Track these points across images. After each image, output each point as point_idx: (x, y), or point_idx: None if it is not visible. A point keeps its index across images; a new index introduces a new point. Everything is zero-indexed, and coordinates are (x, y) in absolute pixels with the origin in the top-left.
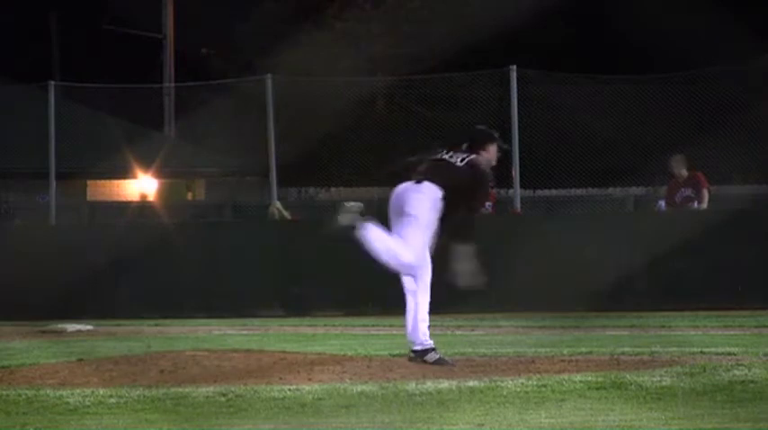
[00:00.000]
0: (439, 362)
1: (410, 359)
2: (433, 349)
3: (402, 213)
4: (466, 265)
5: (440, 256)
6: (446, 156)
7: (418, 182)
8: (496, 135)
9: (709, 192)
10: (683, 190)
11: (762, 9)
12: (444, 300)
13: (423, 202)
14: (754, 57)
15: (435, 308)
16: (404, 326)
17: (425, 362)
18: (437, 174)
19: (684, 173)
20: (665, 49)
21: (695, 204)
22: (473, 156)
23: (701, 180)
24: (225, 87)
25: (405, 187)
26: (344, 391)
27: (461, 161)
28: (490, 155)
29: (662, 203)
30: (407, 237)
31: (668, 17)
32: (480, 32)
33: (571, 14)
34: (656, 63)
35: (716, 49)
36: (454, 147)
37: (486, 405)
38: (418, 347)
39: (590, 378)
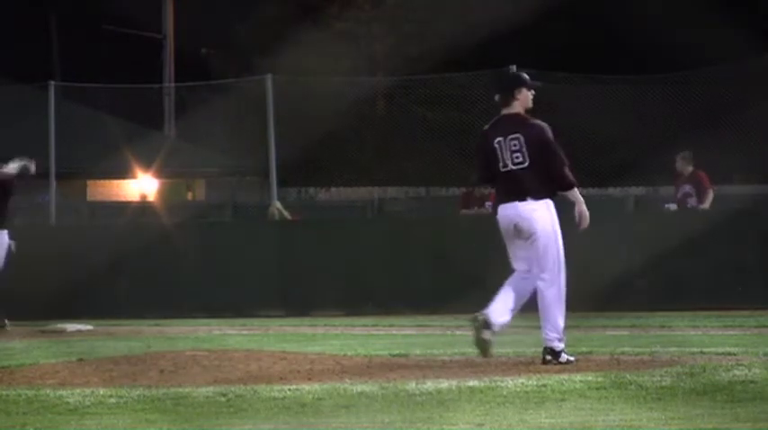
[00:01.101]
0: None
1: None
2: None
3: (528, 237)
4: (581, 207)
5: None
6: (497, 145)
7: (522, 200)
8: (524, 77)
9: (714, 192)
10: (683, 186)
11: (761, 9)
12: (444, 300)
13: (542, 218)
14: (753, 57)
15: (436, 308)
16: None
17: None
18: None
19: (689, 169)
20: (664, 49)
21: (693, 202)
22: (516, 117)
23: (702, 179)
24: (225, 87)
25: (516, 211)
26: (344, 391)
27: (509, 139)
28: (523, 99)
29: (670, 206)
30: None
31: (668, 17)
32: (480, 32)
33: (571, 14)
34: (655, 63)
35: (715, 49)
36: (494, 123)
37: (486, 405)
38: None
39: (590, 378)
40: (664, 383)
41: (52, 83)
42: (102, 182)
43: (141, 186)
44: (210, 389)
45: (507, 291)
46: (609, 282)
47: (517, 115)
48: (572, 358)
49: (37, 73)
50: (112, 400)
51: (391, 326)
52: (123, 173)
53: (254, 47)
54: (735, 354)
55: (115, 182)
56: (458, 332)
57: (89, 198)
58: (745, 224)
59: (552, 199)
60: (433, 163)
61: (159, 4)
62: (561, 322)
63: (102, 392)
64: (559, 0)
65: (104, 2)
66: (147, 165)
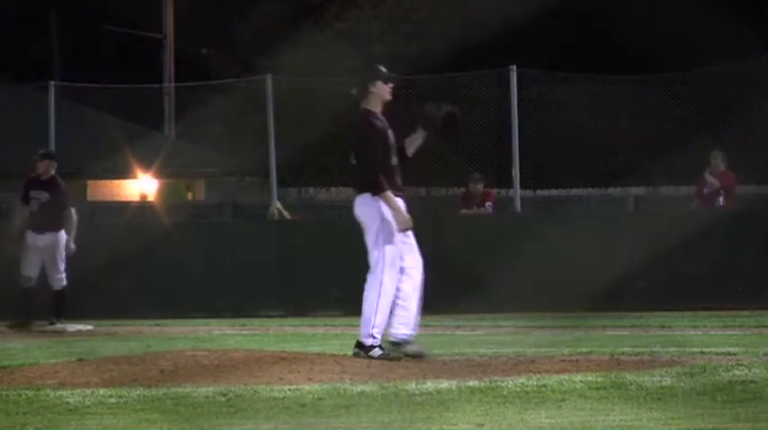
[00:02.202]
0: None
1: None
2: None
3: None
4: (390, 212)
5: None
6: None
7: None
8: (379, 69)
9: (734, 192)
10: (711, 185)
11: (762, 9)
12: (444, 300)
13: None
14: (754, 57)
15: (436, 308)
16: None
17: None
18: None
19: (722, 168)
20: (664, 48)
21: (720, 200)
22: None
23: (729, 179)
24: (225, 87)
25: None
26: (344, 391)
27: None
28: (379, 92)
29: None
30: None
31: (668, 17)
32: (480, 32)
33: (571, 14)
34: (655, 63)
35: (716, 49)
36: (378, 118)
37: (486, 405)
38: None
39: (590, 378)
40: (664, 383)
41: (52, 83)
42: (102, 182)
43: (141, 186)
44: (210, 389)
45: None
46: (609, 282)
47: (365, 110)
48: (385, 353)
49: (37, 73)
50: (112, 400)
51: (391, 325)
52: (123, 173)
53: (254, 47)
54: (735, 354)
55: (115, 182)
56: (458, 332)
57: (89, 198)
58: (745, 224)
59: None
60: (433, 163)
61: (159, 4)
62: (374, 318)
63: (102, 392)
64: (559, 0)
65: (104, 2)
66: (147, 165)
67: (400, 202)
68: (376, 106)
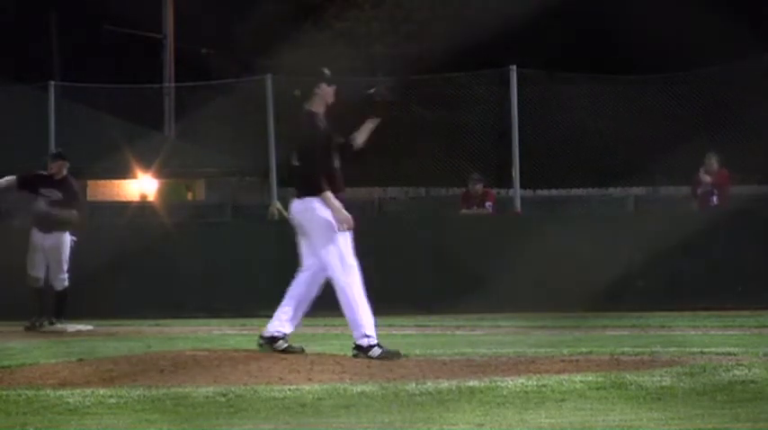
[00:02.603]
0: (288, 350)
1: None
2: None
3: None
4: (330, 212)
5: None
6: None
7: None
8: (324, 72)
9: (728, 191)
10: (707, 185)
11: (762, 9)
12: (444, 300)
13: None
14: (753, 57)
15: (436, 308)
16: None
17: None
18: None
19: (715, 169)
20: (664, 48)
21: (714, 200)
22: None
23: (726, 178)
24: (225, 87)
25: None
26: (344, 391)
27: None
28: (323, 95)
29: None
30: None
31: (668, 17)
32: (480, 32)
33: (571, 14)
34: (655, 63)
35: (716, 49)
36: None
37: (486, 405)
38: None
39: (590, 378)
40: (664, 383)
41: (52, 83)
42: (102, 182)
43: (141, 186)
44: (210, 389)
45: None
46: (609, 282)
47: (308, 112)
48: (384, 351)
49: (37, 73)
50: (112, 400)
51: (391, 326)
52: (123, 173)
53: (254, 47)
54: (735, 354)
55: (115, 182)
56: (458, 332)
57: (89, 198)
58: (745, 224)
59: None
60: (433, 163)
61: (159, 4)
62: (359, 318)
63: (102, 392)
64: (559, 0)
65: (104, 2)
66: (147, 165)
67: (339, 205)
68: (319, 108)
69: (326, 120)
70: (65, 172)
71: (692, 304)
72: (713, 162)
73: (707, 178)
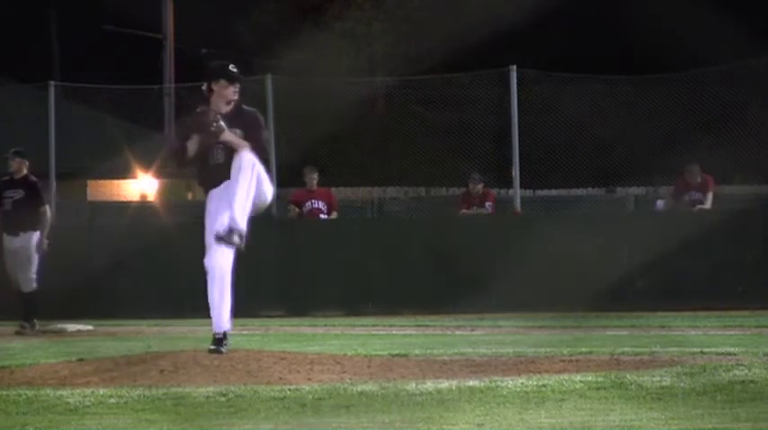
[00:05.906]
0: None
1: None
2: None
3: None
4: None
5: None
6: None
7: None
8: (226, 69)
9: (714, 194)
10: (693, 193)
11: (761, 9)
12: (444, 300)
13: None
14: (754, 57)
15: (436, 308)
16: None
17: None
18: None
19: (698, 179)
20: (665, 49)
21: (707, 205)
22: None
23: (709, 183)
24: None
25: None
26: (344, 391)
27: None
28: (221, 93)
29: (660, 203)
30: None
31: (668, 17)
32: (480, 32)
33: (571, 14)
34: (655, 63)
35: (716, 49)
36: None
37: (486, 405)
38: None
39: (590, 378)
40: (664, 383)
41: (52, 83)
42: (102, 182)
43: (141, 186)
44: (210, 389)
45: None
46: (609, 282)
47: (203, 108)
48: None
49: (37, 73)
50: (112, 400)
51: (391, 326)
52: (123, 173)
53: (254, 47)
54: (735, 354)
55: (115, 182)
56: (458, 332)
57: (89, 198)
58: (745, 224)
59: None
60: (433, 163)
61: (159, 4)
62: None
63: (102, 392)
64: (559, 0)
65: (104, 2)
66: (147, 166)
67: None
68: (218, 104)
69: (224, 116)
70: (25, 170)
71: (692, 304)
72: (695, 173)
73: (698, 196)
